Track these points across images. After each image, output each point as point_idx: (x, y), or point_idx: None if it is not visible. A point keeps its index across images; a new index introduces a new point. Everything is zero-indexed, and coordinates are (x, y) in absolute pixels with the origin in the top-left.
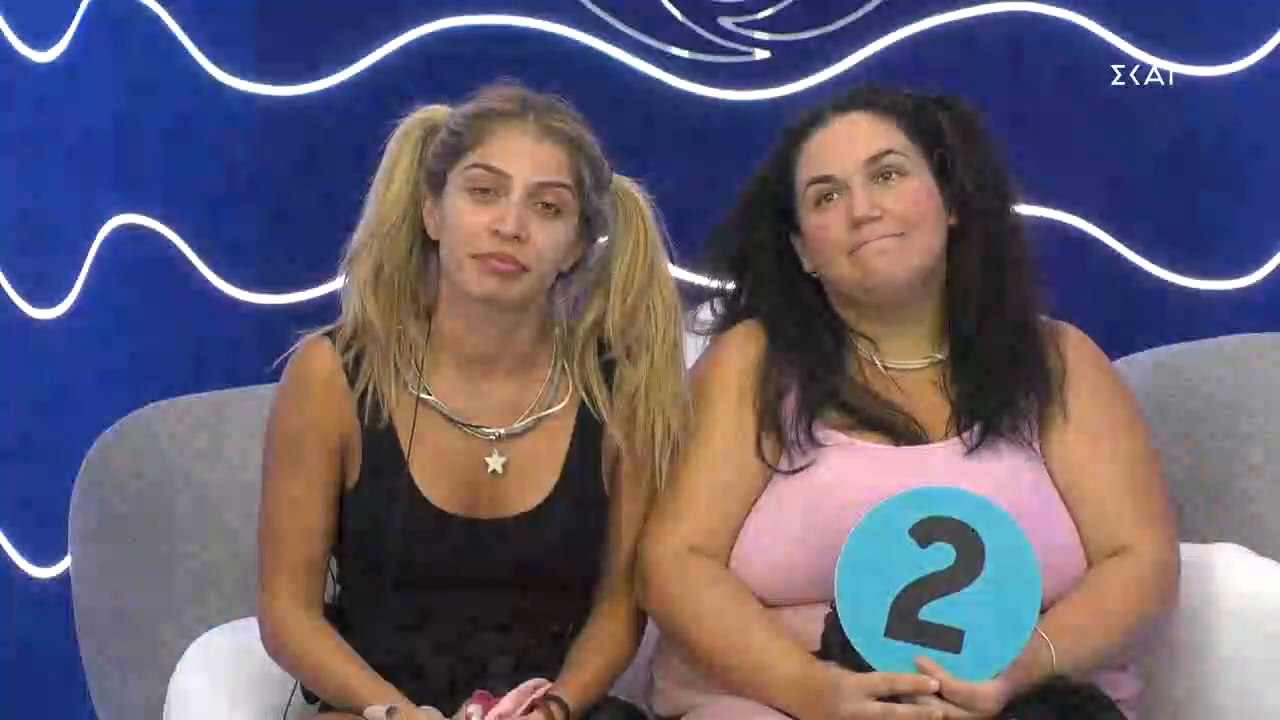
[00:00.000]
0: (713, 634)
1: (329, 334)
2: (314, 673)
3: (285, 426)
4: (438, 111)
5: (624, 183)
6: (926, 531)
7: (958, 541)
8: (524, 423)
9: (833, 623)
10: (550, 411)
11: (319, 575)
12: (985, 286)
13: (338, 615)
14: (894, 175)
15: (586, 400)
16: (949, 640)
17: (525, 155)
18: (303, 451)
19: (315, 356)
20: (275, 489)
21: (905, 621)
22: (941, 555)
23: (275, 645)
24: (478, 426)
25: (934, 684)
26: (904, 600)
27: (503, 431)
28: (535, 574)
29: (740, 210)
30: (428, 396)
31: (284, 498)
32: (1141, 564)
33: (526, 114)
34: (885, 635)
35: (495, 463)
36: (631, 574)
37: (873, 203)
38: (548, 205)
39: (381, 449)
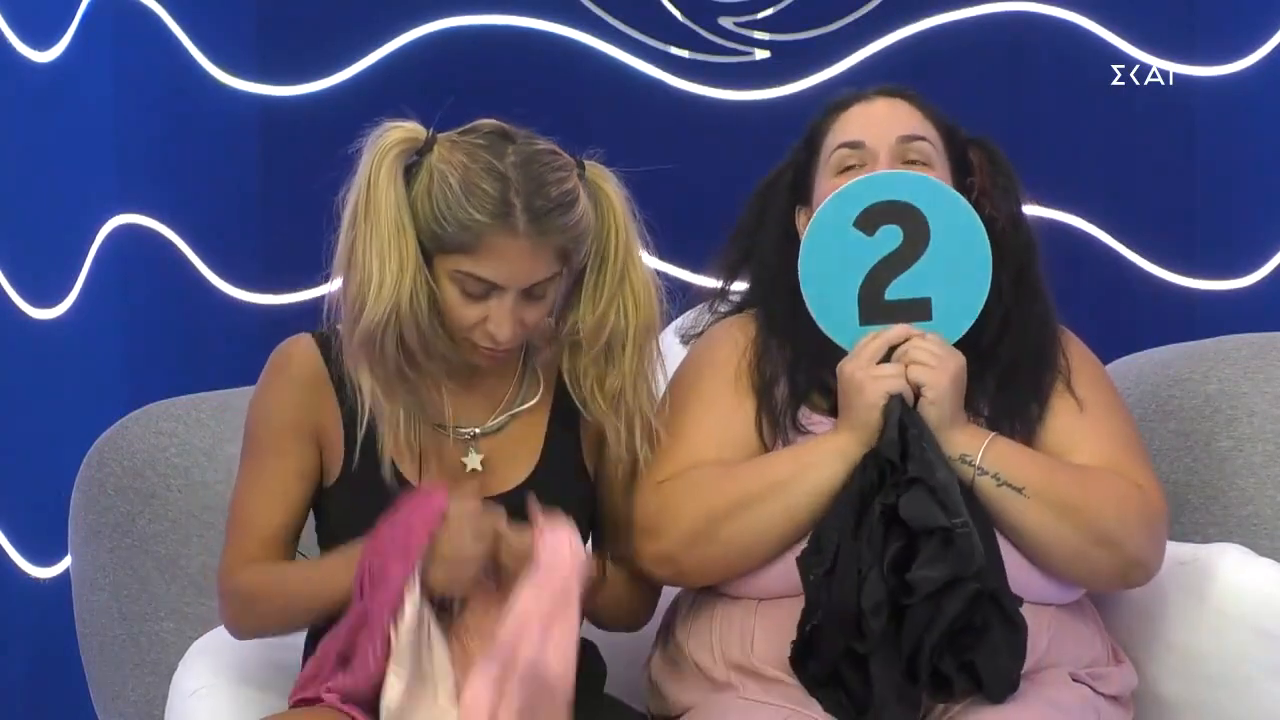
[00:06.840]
0: (727, 484)
1: (313, 334)
2: (277, 589)
3: (264, 414)
4: (415, 132)
5: (597, 178)
6: (869, 220)
7: (900, 219)
8: (498, 420)
9: (891, 412)
10: (523, 408)
11: (286, 555)
12: (1001, 314)
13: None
14: (920, 165)
15: (569, 387)
16: (919, 310)
17: (516, 263)
18: (281, 439)
19: (297, 350)
20: (251, 476)
21: (875, 306)
22: (889, 237)
23: (234, 604)
24: (454, 427)
25: (914, 329)
26: (868, 288)
27: (478, 430)
28: None
29: (756, 199)
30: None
31: (259, 484)
32: (1132, 484)
33: (515, 220)
34: (861, 324)
35: (473, 461)
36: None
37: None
38: (538, 294)
39: (362, 445)
